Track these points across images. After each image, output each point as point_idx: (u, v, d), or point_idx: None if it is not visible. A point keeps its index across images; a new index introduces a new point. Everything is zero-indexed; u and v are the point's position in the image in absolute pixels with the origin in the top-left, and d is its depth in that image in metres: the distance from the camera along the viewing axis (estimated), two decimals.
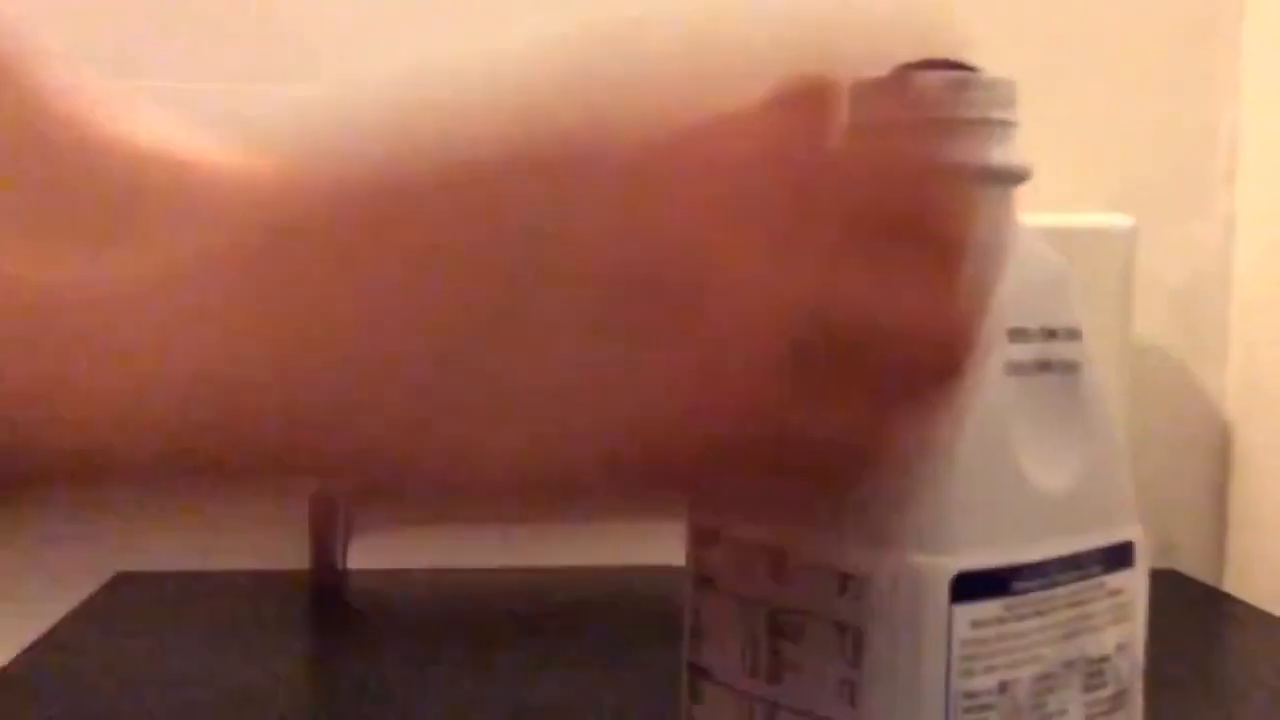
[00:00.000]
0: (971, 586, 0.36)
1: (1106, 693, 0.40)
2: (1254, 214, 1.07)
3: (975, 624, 0.37)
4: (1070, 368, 0.40)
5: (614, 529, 0.98)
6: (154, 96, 0.98)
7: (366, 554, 0.96)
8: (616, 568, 0.94)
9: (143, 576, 0.92)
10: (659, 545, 0.95)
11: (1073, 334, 0.40)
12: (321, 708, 0.70)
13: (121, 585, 0.90)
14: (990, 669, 0.37)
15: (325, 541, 0.95)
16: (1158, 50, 1.06)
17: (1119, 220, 0.99)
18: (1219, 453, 1.09)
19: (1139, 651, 0.41)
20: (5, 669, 0.71)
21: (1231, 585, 1.07)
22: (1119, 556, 0.41)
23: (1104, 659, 0.40)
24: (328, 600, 0.92)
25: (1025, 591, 0.38)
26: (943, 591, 0.36)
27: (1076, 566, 0.39)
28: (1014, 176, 0.40)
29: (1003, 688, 0.38)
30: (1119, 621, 0.40)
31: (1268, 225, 1.05)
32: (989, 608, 0.37)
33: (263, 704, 0.68)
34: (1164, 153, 1.07)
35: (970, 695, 0.37)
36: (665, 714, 0.65)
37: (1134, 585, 0.41)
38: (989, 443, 0.37)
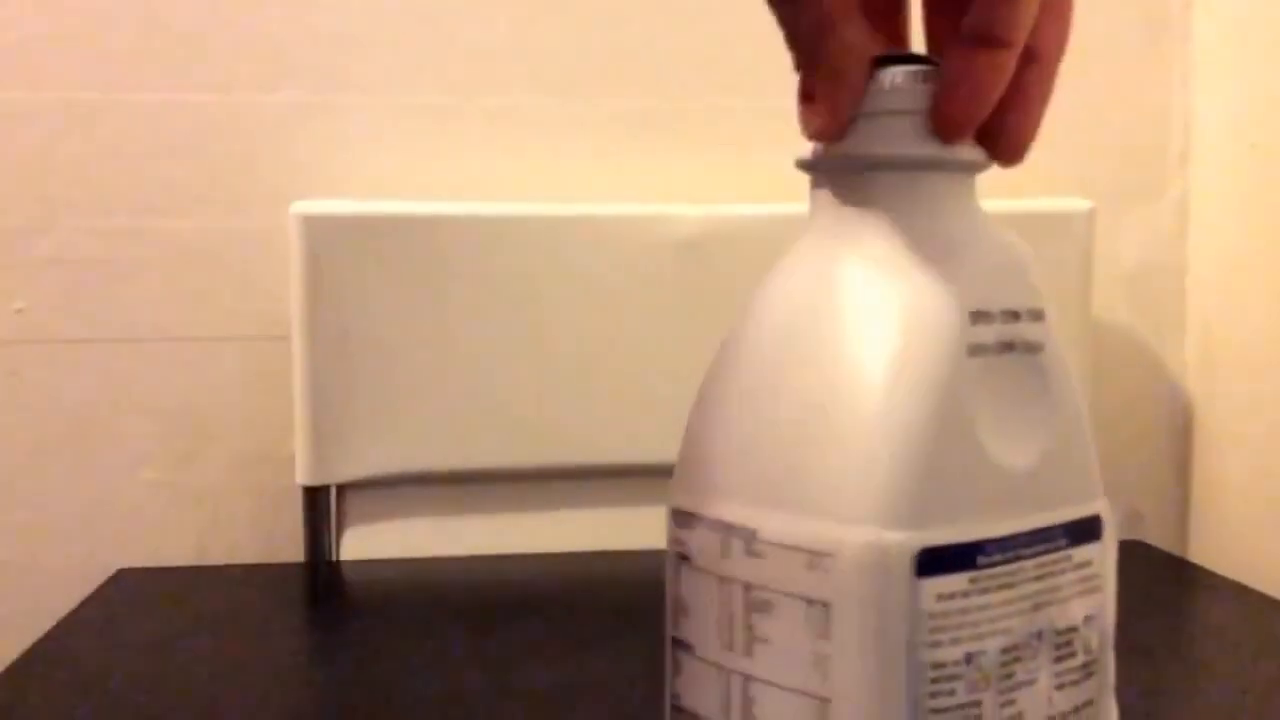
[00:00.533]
0: (937, 561, 0.37)
1: (1076, 662, 0.41)
2: (1208, 196, 1.09)
3: (941, 597, 0.37)
4: (1034, 348, 0.40)
5: (600, 514, 1.00)
6: (138, 109, 1.00)
7: (359, 545, 0.98)
8: (603, 552, 0.96)
9: (143, 572, 0.93)
10: (644, 529, 0.98)
11: (1036, 315, 0.40)
12: (320, 696, 0.71)
13: (122, 581, 0.91)
14: (956, 641, 0.37)
15: (319, 534, 0.97)
16: (1112, 38, 1.08)
17: (1077, 204, 1.02)
18: (1181, 427, 1.11)
19: (1108, 622, 0.42)
20: (11, 665, 0.72)
21: (1196, 554, 1.09)
22: (1086, 530, 0.41)
23: (1072, 630, 0.41)
24: (322, 591, 0.93)
25: (991, 565, 0.38)
26: (908, 566, 0.36)
27: (1043, 540, 0.40)
28: (974, 165, 0.41)
29: (969, 659, 0.38)
30: (1087, 593, 0.41)
31: (1221, 207, 1.07)
32: (954, 581, 0.37)
33: (263, 692, 0.69)
34: (1120, 138, 1.09)
35: (938, 666, 0.37)
36: (654, 695, 0.67)
37: (1102, 558, 0.42)
38: (952, 422, 0.38)
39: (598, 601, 0.85)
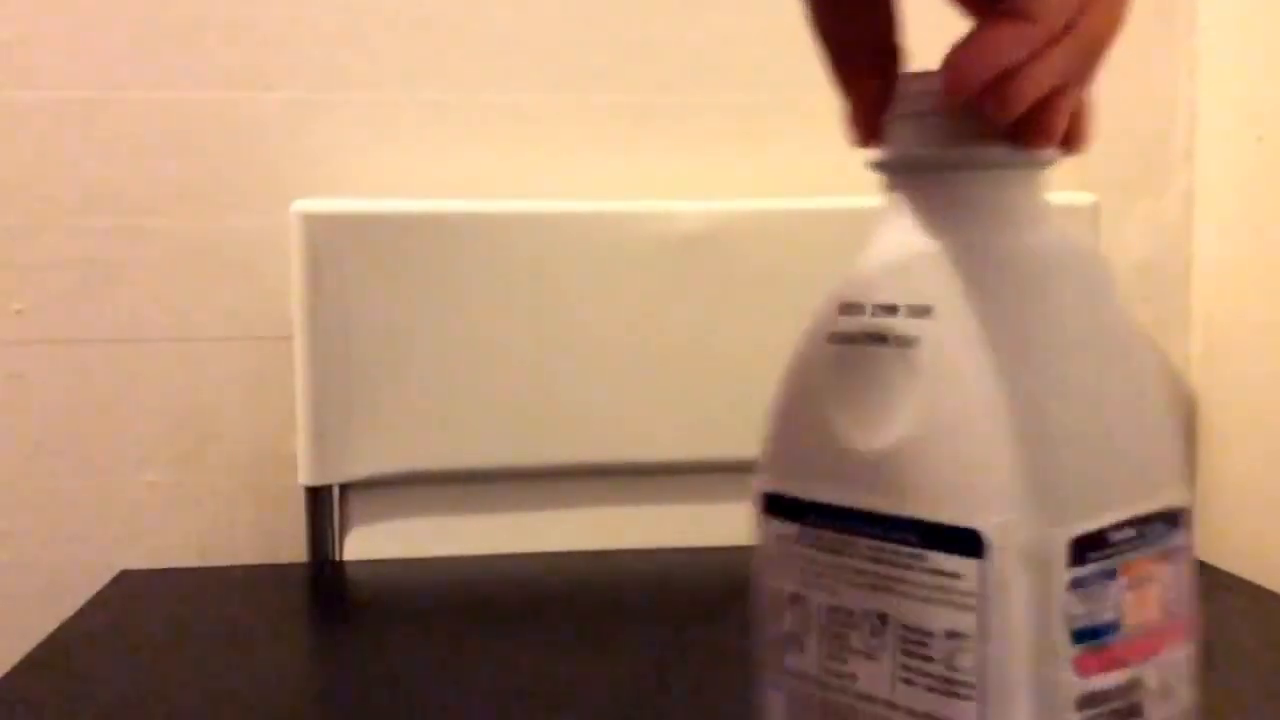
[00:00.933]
0: (776, 506, 0.44)
1: (932, 669, 0.40)
2: (1213, 190, 1.08)
3: (780, 538, 0.44)
4: (906, 342, 0.41)
5: (605, 513, 0.99)
6: (138, 107, 1.00)
7: (362, 545, 0.98)
8: (608, 551, 0.95)
9: (145, 574, 0.93)
10: (650, 528, 0.97)
11: (918, 311, 0.41)
12: (324, 696, 0.71)
13: (125, 582, 0.91)
14: (786, 578, 0.44)
15: (321, 535, 0.97)
16: None
17: (1081, 198, 1.01)
18: (1185, 423, 1.11)
19: (1008, 654, 0.39)
20: (14, 667, 0.72)
21: (1200, 550, 1.08)
22: (950, 540, 0.40)
23: (926, 633, 0.40)
24: (326, 591, 0.93)
25: (821, 526, 0.43)
26: (759, 504, 0.45)
27: (883, 526, 0.41)
28: (1042, 161, 0.42)
29: (794, 599, 0.44)
30: (949, 607, 0.40)
31: (1226, 201, 1.07)
32: (787, 527, 0.44)
33: (267, 693, 0.69)
34: (1124, 132, 1.09)
35: (773, 595, 0.44)
36: (659, 693, 0.66)
37: (989, 579, 0.39)
38: (803, 397, 0.44)
39: (603, 601, 0.84)
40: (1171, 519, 0.42)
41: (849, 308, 0.43)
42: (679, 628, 0.77)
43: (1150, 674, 0.41)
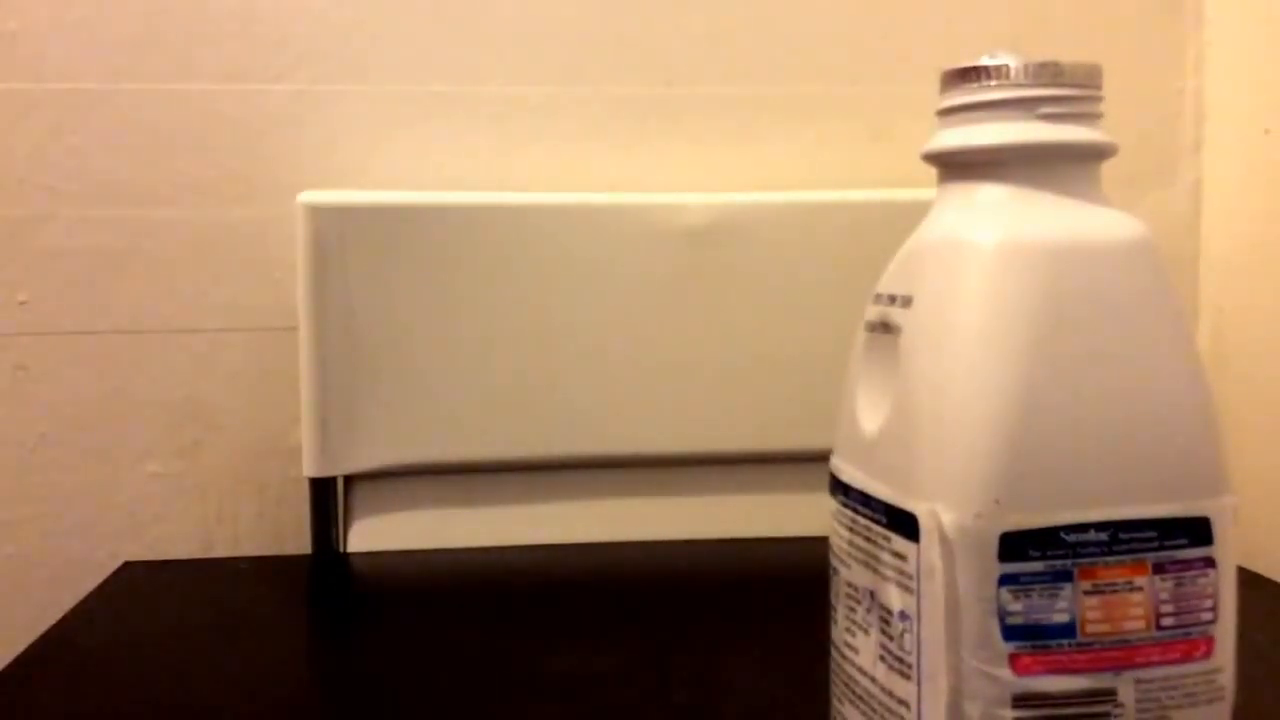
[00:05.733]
0: (832, 484, 0.47)
1: (894, 648, 0.41)
2: (1221, 182, 1.08)
3: (832, 514, 0.47)
4: (897, 331, 0.42)
5: (609, 505, 0.99)
6: (143, 99, 1.00)
7: (366, 537, 0.97)
8: (613, 543, 0.96)
9: (149, 565, 0.93)
10: (654, 520, 0.97)
11: (904, 301, 0.42)
12: (327, 688, 0.71)
13: (128, 574, 0.91)
14: (830, 552, 0.47)
15: (325, 526, 0.96)
16: (1125, 22, 1.08)
17: None
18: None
19: (938, 640, 0.39)
20: (18, 658, 0.72)
21: None
22: (904, 523, 0.40)
23: (891, 613, 0.41)
24: (330, 583, 0.93)
25: (843, 505, 0.45)
26: (829, 482, 0.47)
27: (869, 506, 0.43)
28: (1098, 152, 0.42)
29: (835, 569, 0.46)
30: (902, 589, 0.40)
31: (1235, 193, 1.06)
32: (834, 504, 0.46)
33: (270, 685, 0.69)
34: (1132, 123, 1.09)
35: (830, 569, 0.47)
36: (662, 685, 0.66)
37: (921, 563, 0.39)
38: (848, 381, 0.46)
39: (607, 593, 0.84)
40: (1171, 528, 0.40)
41: (874, 296, 0.45)
42: (682, 619, 0.77)
43: (1125, 688, 0.39)
